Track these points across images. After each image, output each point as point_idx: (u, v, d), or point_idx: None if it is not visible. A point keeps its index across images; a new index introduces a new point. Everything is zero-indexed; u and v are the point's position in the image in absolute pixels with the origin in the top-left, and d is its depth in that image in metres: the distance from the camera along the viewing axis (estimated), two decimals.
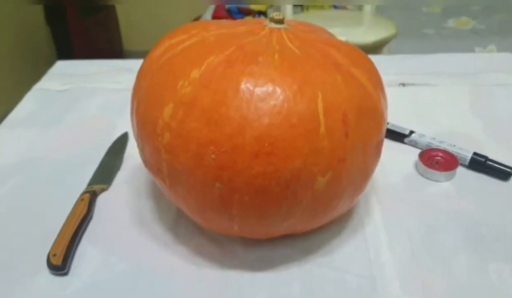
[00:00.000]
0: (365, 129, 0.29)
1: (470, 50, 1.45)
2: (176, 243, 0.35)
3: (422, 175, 0.40)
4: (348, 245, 0.34)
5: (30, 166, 0.44)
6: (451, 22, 1.70)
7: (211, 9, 1.68)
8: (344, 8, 1.86)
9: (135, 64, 0.64)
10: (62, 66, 0.65)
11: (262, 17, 1.52)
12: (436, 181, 0.39)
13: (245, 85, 0.27)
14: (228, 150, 0.26)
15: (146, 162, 0.32)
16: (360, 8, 1.84)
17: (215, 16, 1.54)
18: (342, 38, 1.03)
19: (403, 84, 0.55)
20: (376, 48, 1.10)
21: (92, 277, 0.32)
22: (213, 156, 0.26)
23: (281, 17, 0.32)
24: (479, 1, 1.97)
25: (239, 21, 0.35)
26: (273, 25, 0.31)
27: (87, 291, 0.31)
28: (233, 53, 0.28)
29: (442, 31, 1.59)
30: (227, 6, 1.55)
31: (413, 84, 0.54)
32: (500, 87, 0.53)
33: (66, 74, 0.62)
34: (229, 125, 0.26)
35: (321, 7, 1.61)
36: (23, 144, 0.47)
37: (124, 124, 0.50)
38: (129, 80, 0.59)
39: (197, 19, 2.68)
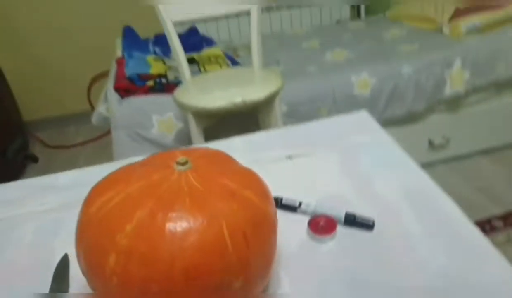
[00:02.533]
0: (260, 235, 0.40)
1: (348, 80, 1.69)
2: None
3: (312, 239, 0.53)
4: None
5: None
6: (328, 55, 1.95)
7: (111, 78, 1.73)
8: (236, 55, 2.03)
9: (55, 179, 0.70)
10: None
11: (163, 80, 1.61)
12: (323, 242, 0.52)
13: (168, 230, 0.36)
14: (164, 281, 0.36)
15: (99, 296, 0.40)
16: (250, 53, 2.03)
17: (117, 87, 1.59)
18: (239, 98, 1.17)
19: (290, 157, 0.68)
20: (268, 100, 1.25)
21: None
22: (154, 289, 0.36)
23: (185, 160, 0.42)
24: (348, 30, 2.28)
25: (152, 162, 0.44)
26: (180, 167, 0.42)
27: None
28: (154, 205, 0.38)
29: (322, 66, 1.82)
30: (127, 74, 1.62)
31: (297, 156, 0.68)
32: (361, 148, 0.69)
33: None
34: (162, 263, 0.36)
35: (216, 62, 1.76)
36: None
37: (61, 245, 0.56)
38: (54, 200, 0.65)
39: (93, 81, 2.68)
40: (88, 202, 0.41)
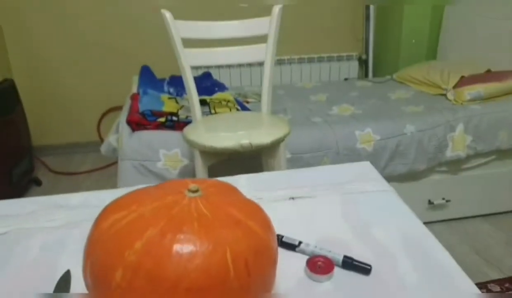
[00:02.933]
0: (261, 264, 0.42)
1: (352, 134, 1.74)
2: None
3: (309, 278, 0.54)
4: None
5: None
6: (335, 109, 2.02)
7: (125, 111, 1.79)
8: (246, 102, 2.10)
9: (65, 199, 0.72)
10: None
11: (175, 118, 1.67)
12: (320, 282, 0.53)
13: (175, 250, 0.38)
14: None
15: None
16: (259, 99, 2.10)
17: (129, 120, 1.65)
18: (246, 141, 1.21)
19: (292, 198, 0.71)
20: (274, 145, 1.29)
21: None
22: None
23: (196, 188, 0.45)
24: (356, 88, 2.37)
25: (165, 187, 0.47)
26: (191, 194, 0.44)
27: None
28: (165, 226, 0.40)
29: (328, 118, 1.88)
30: (141, 109, 1.68)
31: (300, 197, 0.71)
32: (361, 195, 0.71)
33: (2, 215, 0.67)
34: (166, 281, 0.37)
35: (226, 105, 1.82)
36: None
37: (65, 261, 0.58)
38: (62, 218, 0.67)
39: (105, 114, 2.76)
40: (101, 217, 0.44)
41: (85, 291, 0.52)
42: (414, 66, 2.45)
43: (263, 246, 0.43)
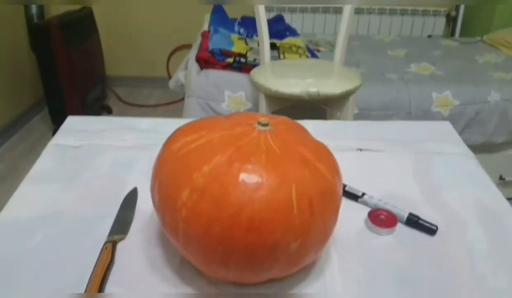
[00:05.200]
0: (324, 207, 0.41)
1: (428, 95, 1.62)
2: (182, 284, 0.45)
3: (370, 229, 0.52)
4: (312, 286, 0.45)
5: (56, 219, 0.53)
6: (413, 67, 1.88)
7: (195, 48, 1.80)
8: (317, 50, 2.02)
9: (137, 122, 0.75)
10: (72, 122, 0.75)
11: (243, 59, 1.65)
12: (380, 235, 0.52)
13: (242, 179, 0.38)
14: (229, 225, 0.38)
15: (164, 225, 0.43)
16: (331, 49, 2.01)
17: (199, 57, 1.66)
18: (314, 89, 1.17)
19: (360, 150, 0.68)
20: (342, 96, 1.24)
21: None
22: (217, 229, 0.38)
23: (267, 122, 0.44)
24: (439, 47, 2.18)
25: (235, 118, 0.46)
26: (261, 128, 0.43)
27: None
28: (232, 154, 0.40)
29: (404, 76, 1.76)
30: (210, 47, 1.68)
31: (368, 150, 0.68)
32: (437, 155, 0.66)
33: (77, 130, 0.72)
34: (230, 208, 0.37)
35: (296, 52, 1.76)
36: (46, 199, 0.57)
37: (133, 179, 0.61)
38: (133, 139, 0.70)
39: (174, 51, 2.80)
40: (172, 139, 0.44)
41: (150, 208, 0.55)
42: (509, 28, 2.19)
43: (329, 189, 0.42)
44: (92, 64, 2.47)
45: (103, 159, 0.65)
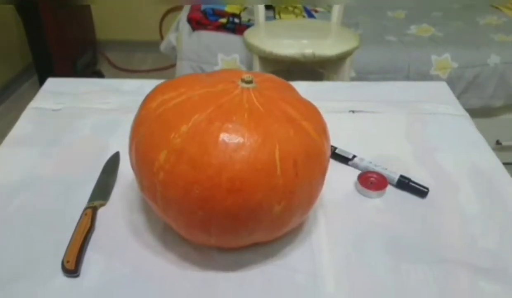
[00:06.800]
0: (310, 169, 0.39)
1: (427, 58, 1.58)
2: (165, 250, 0.44)
3: (359, 192, 0.51)
4: (298, 250, 0.44)
5: (35, 183, 0.51)
6: (413, 29, 1.82)
7: (186, 8, 1.73)
8: (314, 11, 1.95)
9: (121, 84, 0.72)
10: (53, 84, 0.71)
11: (236, 20, 1.59)
12: (370, 197, 0.50)
13: (222, 139, 0.36)
14: (208, 187, 0.35)
15: (142, 189, 0.41)
16: (329, 10, 1.94)
17: (190, 17, 1.60)
18: (309, 50, 1.13)
19: (353, 111, 0.65)
20: (340, 58, 1.20)
21: (99, 279, 0.41)
22: (197, 191, 0.36)
23: (250, 78, 0.41)
24: (440, 7, 2.11)
25: (217, 75, 0.44)
26: (244, 85, 0.41)
27: (96, 290, 0.40)
28: (212, 112, 0.37)
29: (403, 38, 1.71)
30: (202, 7, 1.61)
31: (360, 111, 0.65)
32: (432, 116, 0.64)
33: (58, 92, 0.69)
34: (210, 169, 0.35)
35: (293, 12, 1.70)
36: (25, 164, 0.54)
37: (115, 143, 0.58)
38: (116, 101, 0.67)
39: (168, 12, 2.71)
40: (149, 97, 0.42)
41: (131, 172, 0.53)
42: None
43: (315, 149, 0.39)
44: (82, 28, 2.38)
45: (84, 122, 0.63)
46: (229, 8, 1.64)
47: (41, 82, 2.22)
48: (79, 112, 0.64)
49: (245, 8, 1.70)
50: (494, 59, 1.59)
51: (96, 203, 0.49)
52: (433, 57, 1.58)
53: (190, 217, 0.37)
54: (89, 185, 0.51)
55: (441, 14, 2.02)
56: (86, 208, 0.47)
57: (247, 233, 0.39)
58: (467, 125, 0.62)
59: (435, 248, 0.44)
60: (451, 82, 1.59)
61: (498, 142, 1.75)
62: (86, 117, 0.63)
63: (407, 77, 1.57)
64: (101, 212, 0.48)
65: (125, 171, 0.54)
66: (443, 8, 2.11)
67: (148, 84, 0.72)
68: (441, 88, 0.71)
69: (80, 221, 0.46)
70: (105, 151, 0.57)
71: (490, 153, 0.57)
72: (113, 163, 0.55)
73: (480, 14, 2.02)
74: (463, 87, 1.59)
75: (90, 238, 0.45)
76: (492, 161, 0.55)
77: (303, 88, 0.72)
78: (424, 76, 1.58)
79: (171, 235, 0.45)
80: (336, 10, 1.36)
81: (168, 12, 2.75)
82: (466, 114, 0.65)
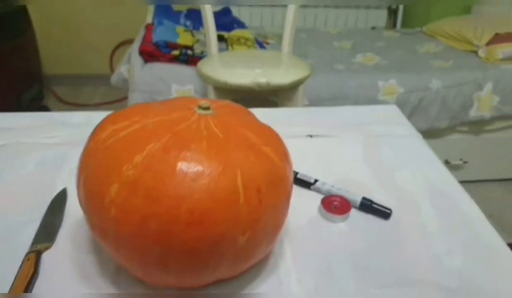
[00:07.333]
0: (274, 195, 0.37)
1: (375, 84, 1.65)
2: (118, 294, 0.40)
3: (324, 217, 0.50)
4: (266, 283, 0.42)
5: None
6: (359, 57, 1.91)
7: (138, 41, 1.71)
8: (265, 43, 2.00)
9: (68, 117, 0.68)
10: None
11: (189, 52, 1.59)
12: (335, 222, 0.49)
13: (180, 168, 0.34)
14: (166, 220, 0.33)
15: (92, 227, 0.37)
16: (279, 41, 1.99)
17: (142, 49, 1.57)
18: (263, 79, 1.14)
19: (311, 136, 0.65)
20: (293, 87, 1.22)
21: None
22: (153, 226, 0.33)
23: (208, 105, 0.39)
24: (383, 38, 2.24)
25: (172, 103, 0.42)
26: (201, 111, 0.39)
27: None
28: (169, 140, 0.35)
29: (351, 66, 1.78)
30: (155, 39, 1.60)
31: (318, 136, 0.65)
32: (386, 138, 0.65)
33: (1, 128, 0.63)
34: (167, 200, 0.33)
35: (245, 44, 1.73)
36: None
37: (63, 180, 0.54)
38: (64, 135, 0.63)
39: (118, 46, 2.67)
40: (99, 128, 0.39)
41: (80, 210, 0.49)
42: (446, 19, 2.29)
43: (278, 175, 0.38)
44: (27, 62, 2.28)
45: (28, 158, 0.58)
46: (181, 41, 1.64)
47: None
48: (22, 148, 0.59)
49: (197, 40, 1.71)
50: (435, 83, 1.68)
51: (40, 246, 0.44)
52: (380, 83, 1.66)
53: (146, 255, 0.34)
54: (32, 226, 0.46)
55: (383, 44, 2.14)
56: (28, 252, 0.43)
57: (210, 269, 0.36)
58: (420, 145, 0.64)
59: (402, 270, 0.43)
60: (399, 106, 1.66)
61: (447, 162, 1.84)
62: (30, 153, 0.58)
63: (357, 103, 1.63)
64: (45, 255, 0.43)
65: (73, 209, 0.49)
66: (384, 38, 2.24)
67: (97, 116, 0.68)
68: (392, 111, 0.73)
69: (21, 268, 0.41)
70: (51, 188, 0.52)
71: (445, 171, 0.58)
72: (59, 201, 0.51)
73: (419, 43, 2.17)
74: (410, 110, 1.67)
75: (33, 285, 0.40)
76: (448, 179, 0.57)
77: (260, 115, 0.71)
78: (373, 101, 1.65)
79: (125, 276, 0.41)
80: (287, 40, 1.39)
81: (119, 45, 2.71)
82: (418, 134, 0.67)
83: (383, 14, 2.66)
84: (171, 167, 0.34)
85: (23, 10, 2.23)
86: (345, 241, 0.46)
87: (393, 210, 0.50)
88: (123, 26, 2.64)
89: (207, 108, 0.39)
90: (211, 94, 1.30)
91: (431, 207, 0.51)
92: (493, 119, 1.77)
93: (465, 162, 1.84)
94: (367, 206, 0.50)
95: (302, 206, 0.51)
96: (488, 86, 1.71)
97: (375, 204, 0.50)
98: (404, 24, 2.70)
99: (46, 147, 0.60)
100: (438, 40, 2.20)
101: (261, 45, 1.86)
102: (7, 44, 2.04)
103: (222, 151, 0.36)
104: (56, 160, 0.57)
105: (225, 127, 0.38)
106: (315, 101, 1.60)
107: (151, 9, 2.06)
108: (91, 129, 0.64)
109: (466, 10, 2.49)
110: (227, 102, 0.44)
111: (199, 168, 0.34)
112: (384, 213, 0.50)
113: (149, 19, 1.94)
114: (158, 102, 0.42)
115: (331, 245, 0.46)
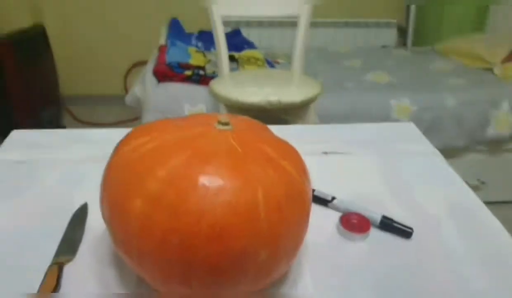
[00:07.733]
0: (294, 209, 0.37)
1: (387, 102, 1.65)
2: None
3: (342, 235, 0.49)
4: None
5: None
6: (369, 76, 1.92)
7: (152, 62, 1.75)
8: (276, 62, 2.02)
9: (88, 134, 0.69)
10: (17, 136, 0.68)
11: (201, 72, 1.62)
12: (353, 240, 0.49)
13: (202, 183, 0.34)
14: (187, 235, 0.33)
15: (116, 242, 0.38)
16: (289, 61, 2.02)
17: (156, 70, 1.60)
18: (275, 97, 1.16)
19: (326, 153, 0.65)
20: (304, 105, 1.23)
21: None
22: (175, 241, 0.33)
23: (227, 120, 0.40)
24: (393, 57, 2.25)
25: (191, 119, 0.42)
26: (221, 127, 0.40)
27: None
28: (190, 156, 0.36)
29: (361, 85, 1.79)
30: (168, 60, 1.63)
31: (334, 153, 0.65)
32: (404, 155, 0.65)
33: (22, 144, 0.65)
34: (189, 216, 0.33)
35: (255, 63, 1.75)
36: None
37: (83, 195, 0.55)
38: (83, 151, 0.64)
39: (133, 67, 2.73)
40: (122, 142, 0.40)
41: (102, 225, 0.50)
42: (458, 37, 2.30)
43: (297, 189, 0.38)
44: (46, 84, 2.34)
45: (49, 173, 0.59)
46: (193, 61, 1.67)
47: (3, 139, 2.14)
48: (44, 164, 0.60)
49: (209, 61, 1.74)
50: (450, 101, 1.68)
51: (62, 259, 0.44)
52: (393, 102, 1.66)
53: (168, 270, 0.35)
54: (54, 240, 0.47)
55: (394, 62, 2.15)
56: (50, 265, 0.43)
57: (230, 285, 0.36)
58: (439, 163, 0.63)
59: (425, 292, 0.42)
60: None
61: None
62: (52, 169, 0.59)
63: (369, 122, 1.63)
64: (68, 268, 0.44)
65: (94, 223, 0.50)
66: (395, 57, 2.25)
67: (116, 133, 0.70)
68: (408, 128, 0.73)
69: (44, 280, 0.41)
70: (72, 203, 0.53)
71: (467, 190, 0.58)
72: (80, 215, 0.51)
73: (431, 61, 2.17)
74: (424, 129, 1.67)
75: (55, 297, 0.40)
76: (471, 197, 0.56)
77: (275, 131, 0.72)
78: (386, 120, 1.65)
79: (146, 290, 0.41)
80: (297, 58, 1.41)
81: (133, 66, 2.77)
82: (437, 151, 0.66)
83: (393, 32, 2.68)
84: (194, 181, 0.34)
85: (43, 34, 2.30)
86: (365, 260, 0.46)
87: (414, 228, 0.50)
88: (137, 48, 2.70)
89: (226, 123, 0.40)
90: (223, 111, 1.31)
91: (454, 226, 0.51)
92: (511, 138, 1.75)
93: (482, 182, 1.81)
94: (388, 225, 0.50)
95: (320, 223, 0.51)
96: (505, 104, 1.70)
97: (396, 222, 0.50)
98: (415, 43, 2.71)
99: (66, 163, 0.61)
100: (450, 58, 2.20)
101: (271, 64, 1.89)
102: (29, 67, 2.10)
103: (242, 165, 0.36)
104: (76, 176, 0.58)
105: (244, 142, 0.39)
106: (326, 120, 1.61)
107: (164, 31, 2.11)
108: (110, 146, 0.66)
109: (478, 27, 2.50)
110: (244, 117, 0.45)
111: (221, 182, 0.34)
112: (405, 232, 0.49)
113: (162, 40, 1.98)
114: (178, 118, 0.43)
115: (351, 264, 0.45)
